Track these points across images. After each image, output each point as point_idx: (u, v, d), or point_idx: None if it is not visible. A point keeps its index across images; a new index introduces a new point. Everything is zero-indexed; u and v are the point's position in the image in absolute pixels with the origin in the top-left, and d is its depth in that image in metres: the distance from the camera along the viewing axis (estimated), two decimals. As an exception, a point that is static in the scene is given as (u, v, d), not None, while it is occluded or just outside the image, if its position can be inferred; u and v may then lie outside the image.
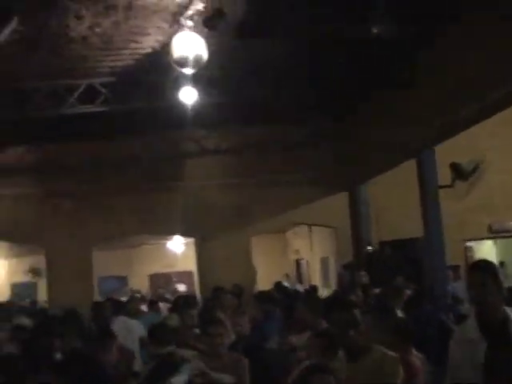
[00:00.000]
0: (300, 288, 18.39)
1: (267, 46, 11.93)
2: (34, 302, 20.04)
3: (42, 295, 20.23)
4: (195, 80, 12.26)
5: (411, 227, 14.89)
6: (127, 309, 10.88)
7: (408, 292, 10.04)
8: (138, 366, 8.09)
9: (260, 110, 15.11)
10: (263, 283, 19.96)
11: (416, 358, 6.09)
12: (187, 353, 6.01)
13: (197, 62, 9.79)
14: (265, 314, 9.20)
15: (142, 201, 16.71)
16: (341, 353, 5.03)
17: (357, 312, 5.26)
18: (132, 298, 13.98)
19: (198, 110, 13.48)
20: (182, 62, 9.77)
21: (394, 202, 16.47)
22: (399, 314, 7.33)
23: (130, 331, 9.20)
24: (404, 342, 6.06)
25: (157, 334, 6.55)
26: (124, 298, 15.47)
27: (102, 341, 6.36)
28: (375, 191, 16.91)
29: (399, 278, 12.32)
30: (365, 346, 4.95)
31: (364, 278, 13.68)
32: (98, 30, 10.48)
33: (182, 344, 6.61)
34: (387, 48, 11.63)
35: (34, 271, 24.31)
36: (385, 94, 13.49)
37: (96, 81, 12.77)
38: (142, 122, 14.49)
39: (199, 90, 12.58)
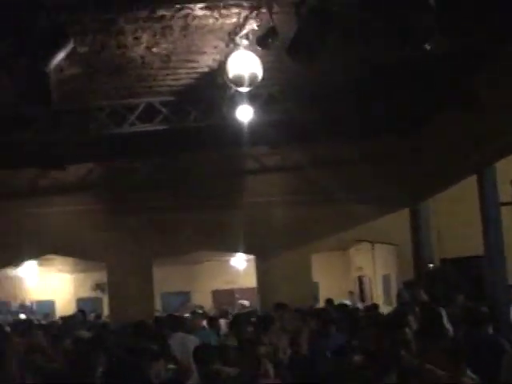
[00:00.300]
0: (360, 306, 18.23)
1: (326, 64, 11.93)
2: (99, 317, 20.40)
3: (107, 310, 20.58)
4: (253, 98, 12.39)
5: (474, 245, 14.58)
6: (186, 325, 11.00)
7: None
8: (194, 379, 8.13)
9: (321, 128, 15.08)
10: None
11: (469, 379, 5.96)
12: (232, 370, 6.04)
13: (252, 80, 9.88)
14: (322, 333, 9.13)
15: (203, 218, 16.84)
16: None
17: (409, 332, 5.19)
18: (192, 314, 14.14)
19: (257, 127, 13.59)
20: (238, 81, 9.88)
21: (456, 219, 16.18)
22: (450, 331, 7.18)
23: (186, 347, 9.27)
24: (457, 362, 5.93)
25: (199, 353, 6.61)
26: (187, 314, 15.66)
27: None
28: (437, 208, 16.66)
29: (460, 297, 12.07)
30: (417, 367, 4.85)
31: (423, 295, 13.41)
32: (155, 49, 10.67)
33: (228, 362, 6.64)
34: (449, 66, 11.54)
35: (99, 287, 24.73)
36: (448, 112, 13.39)
37: (155, 100, 13.00)
38: (202, 140, 14.66)
39: (257, 108, 12.69)
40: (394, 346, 5.08)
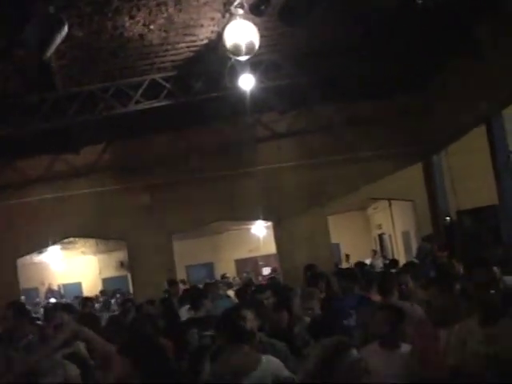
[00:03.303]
0: (379, 263, 18.30)
1: (328, 25, 11.90)
2: (123, 294, 20.67)
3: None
4: (254, 66, 12.45)
5: (488, 195, 14.56)
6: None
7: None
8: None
9: (330, 89, 15.08)
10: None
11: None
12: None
13: (249, 48, 9.92)
14: (343, 291, 9.01)
15: (218, 188, 16.93)
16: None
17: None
18: (212, 283, 14.29)
19: (261, 95, 13.65)
20: (236, 50, 9.92)
21: (469, 171, 16.11)
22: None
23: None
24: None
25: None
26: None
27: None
28: (450, 162, 16.61)
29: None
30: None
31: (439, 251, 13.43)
32: (152, 27, 10.75)
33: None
34: (455, 17, 11.50)
35: (123, 265, 25.00)
36: (455, 62, 13.35)
37: (158, 76, 13.08)
38: (208, 112, 14.72)
39: (258, 76, 12.74)
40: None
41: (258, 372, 4.98)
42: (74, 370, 3.31)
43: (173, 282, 13.62)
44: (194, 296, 9.89)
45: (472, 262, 6.47)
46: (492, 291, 4.65)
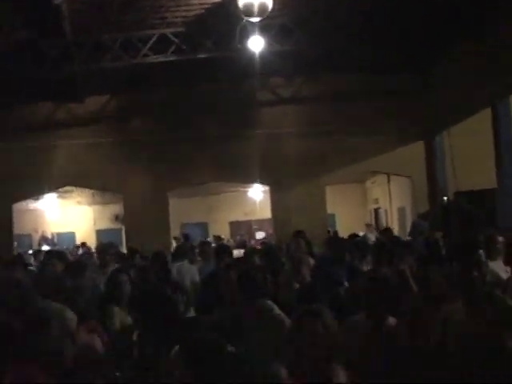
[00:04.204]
0: (372, 237, 18.29)
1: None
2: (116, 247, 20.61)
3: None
4: (265, 29, 12.35)
5: (488, 178, 14.57)
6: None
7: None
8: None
9: (340, 59, 15.01)
10: (343, 232, 20.01)
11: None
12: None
13: (262, 9, 9.86)
14: (334, 259, 8.92)
15: (218, 149, 16.89)
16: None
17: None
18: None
19: (269, 59, 13.55)
20: (248, 11, 9.86)
21: (471, 153, 16.11)
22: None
23: (181, 275, 9.33)
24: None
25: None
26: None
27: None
28: (452, 142, 16.58)
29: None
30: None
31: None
32: (166, -20, 10.65)
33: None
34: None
35: (118, 218, 24.99)
36: (462, 46, 13.23)
37: (168, 31, 12.98)
38: (215, 71, 14.64)
39: (269, 39, 12.65)
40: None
41: None
42: (71, 315, 3.33)
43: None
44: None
45: (460, 244, 6.52)
46: (475, 274, 4.77)
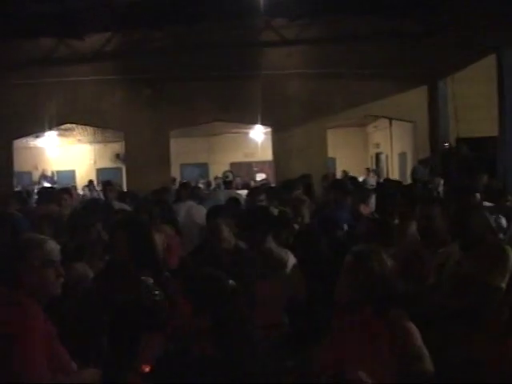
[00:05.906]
0: (372, 181, 18.34)
1: None
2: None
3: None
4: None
5: (489, 127, 14.52)
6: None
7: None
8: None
9: (344, 1, 14.76)
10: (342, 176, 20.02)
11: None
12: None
13: None
14: (336, 203, 8.79)
15: (219, 89, 16.78)
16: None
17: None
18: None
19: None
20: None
21: (474, 100, 16.00)
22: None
23: (190, 215, 9.37)
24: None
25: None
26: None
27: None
28: (456, 88, 16.47)
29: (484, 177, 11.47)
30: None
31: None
32: None
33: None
34: None
35: (118, 157, 24.98)
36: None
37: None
38: (219, 8, 14.37)
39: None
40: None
41: None
42: (54, 244, 3.37)
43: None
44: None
45: (458, 187, 6.52)
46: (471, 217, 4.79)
